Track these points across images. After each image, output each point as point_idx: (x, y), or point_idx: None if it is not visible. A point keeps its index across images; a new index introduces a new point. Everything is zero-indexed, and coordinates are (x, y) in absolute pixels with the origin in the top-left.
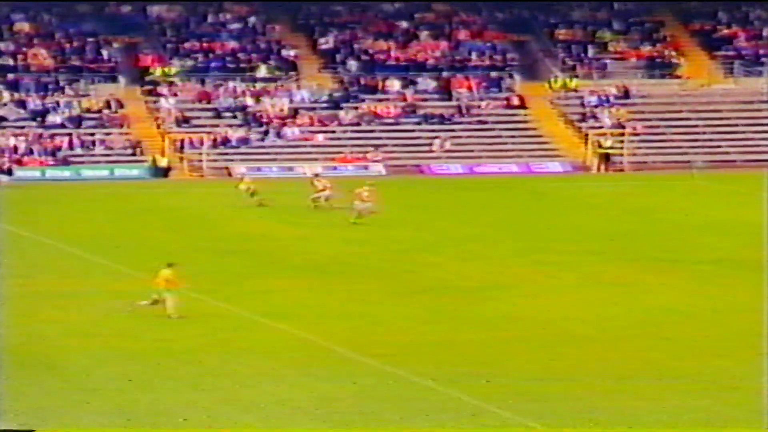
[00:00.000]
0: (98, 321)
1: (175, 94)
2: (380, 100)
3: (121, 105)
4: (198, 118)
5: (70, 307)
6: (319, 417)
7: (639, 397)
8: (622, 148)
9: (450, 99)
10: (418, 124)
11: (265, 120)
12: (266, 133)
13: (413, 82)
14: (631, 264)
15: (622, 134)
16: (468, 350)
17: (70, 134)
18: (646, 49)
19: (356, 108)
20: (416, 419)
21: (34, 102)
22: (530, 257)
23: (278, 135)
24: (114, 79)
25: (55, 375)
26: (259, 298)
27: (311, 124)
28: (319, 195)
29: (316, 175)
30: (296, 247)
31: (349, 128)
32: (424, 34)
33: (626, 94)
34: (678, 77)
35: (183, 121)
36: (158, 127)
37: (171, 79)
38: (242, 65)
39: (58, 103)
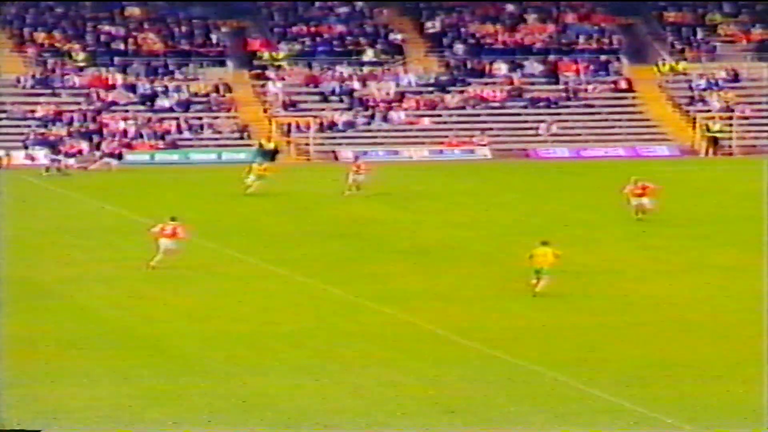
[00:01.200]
0: (207, 303)
1: (283, 78)
2: (486, 84)
3: (229, 89)
4: (305, 102)
5: (180, 289)
6: (426, 401)
7: (748, 382)
8: (730, 131)
9: (557, 83)
10: (525, 107)
11: (371, 104)
12: (372, 116)
13: (520, 66)
14: (740, 248)
15: (731, 118)
16: (576, 335)
17: (178, 118)
18: (757, 31)
19: (462, 92)
20: (523, 404)
21: (143, 86)
22: (638, 241)
23: (384, 119)
24: (222, 63)
25: (165, 358)
26: (365, 282)
27: (417, 108)
28: (354, 179)
29: (356, 158)
30: (403, 231)
31: (455, 112)
32: (531, 18)
33: (735, 78)
34: None
35: (290, 105)
36: (265, 111)
37: (278, 63)
38: (349, 49)
39: (167, 87)
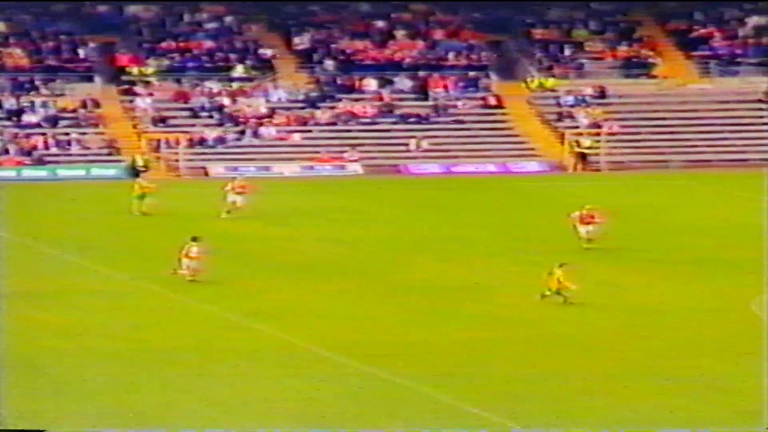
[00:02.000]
0: (80, 321)
1: (152, 94)
2: (357, 100)
3: (97, 104)
4: (174, 117)
5: (50, 307)
6: (301, 417)
7: (620, 397)
8: (598, 147)
9: (427, 98)
10: (395, 123)
11: (241, 119)
12: (243, 132)
13: (390, 82)
14: (610, 264)
15: (599, 134)
16: (450, 351)
17: (45, 134)
18: (623, 48)
19: (333, 107)
20: (397, 420)
21: (9, 101)
22: (510, 257)
23: (255, 135)
24: (90, 79)
25: (38, 376)
26: (240, 298)
27: (288, 124)
28: (233, 200)
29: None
30: (277, 247)
31: (326, 128)
32: (400, 34)
33: (602, 94)
34: (654, 77)
35: (159, 120)
36: (134, 126)
37: (147, 78)
38: (219, 65)
39: (33, 103)
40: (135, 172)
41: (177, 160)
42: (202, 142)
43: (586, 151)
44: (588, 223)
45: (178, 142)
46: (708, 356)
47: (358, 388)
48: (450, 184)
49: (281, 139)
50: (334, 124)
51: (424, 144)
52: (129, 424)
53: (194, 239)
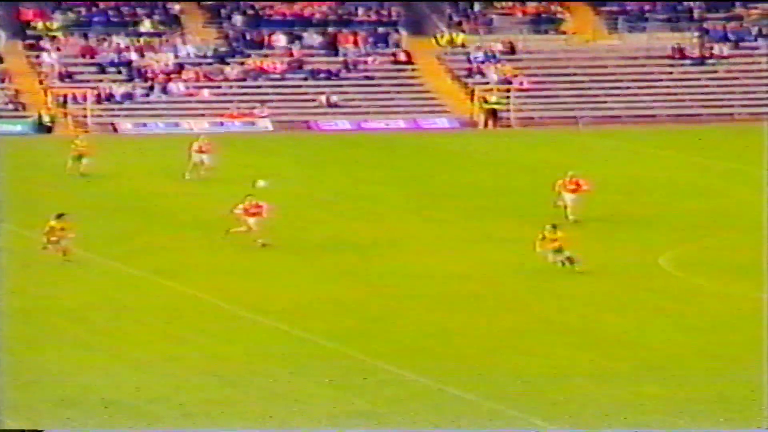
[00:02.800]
0: None
1: (58, 49)
2: (266, 56)
3: (1, 60)
4: (81, 73)
5: None
6: (209, 375)
7: (529, 353)
8: (508, 103)
9: (336, 54)
10: (305, 79)
11: (149, 75)
12: (151, 88)
13: (299, 38)
14: (519, 220)
15: (508, 90)
16: (360, 307)
17: None
18: (532, 4)
19: (242, 63)
20: (308, 377)
21: None
22: (420, 214)
23: (163, 90)
24: None
25: None
26: (148, 256)
27: (197, 80)
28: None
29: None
30: (186, 204)
31: (235, 84)
32: None
33: (512, 50)
34: (563, 33)
35: (66, 76)
36: (41, 82)
37: (53, 33)
38: (126, 19)
39: None
40: (42, 128)
41: (85, 116)
42: (110, 97)
43: (495, 107)
44: (574, 191)
45: (85, 98)
46: (615, 312)
47: (268, 345)
48: (360, 141)
49: (190, 95)
50: (244, 80)
51: (335, 100)
52: (40, 382)
53: (59, 216)
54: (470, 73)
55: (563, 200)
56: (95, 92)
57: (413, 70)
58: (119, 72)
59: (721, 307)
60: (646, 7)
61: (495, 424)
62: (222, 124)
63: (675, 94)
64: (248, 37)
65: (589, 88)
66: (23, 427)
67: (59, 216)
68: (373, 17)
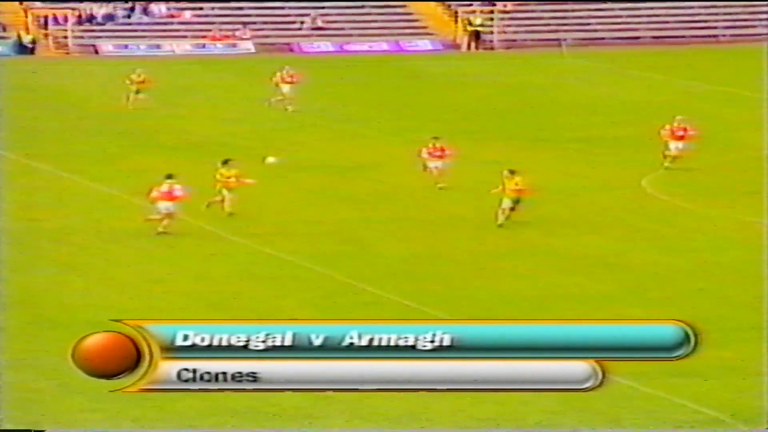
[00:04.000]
0: None
1: None
2: None
3: None
4: None
5: None
6: (194, 297)
7: (513, 275)
8: (491, 26)
9: None
10: (288, 1)
11: None
12: (132, 9)
13: None
14: (503, 143)
15: (492, 12)
16: (344, 230)
17: None
18: None
19: None
20: (291, 298)
21: None
22: (404, 136)
23: (145, 12)
24: None
25: None
26: (132, 177)
27: (178, 1)
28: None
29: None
30: (169, 126)
31: (217, 5)
32: None
33: None
34: None
35: None
36: (21, 2)
37: None
38: None
39: None
40: (23, 49)
41: (66, 38)
42: (91, 19)
43: (479, 29)
44: (680, 138)
45: (66, 19)
46: (599, 234)
47: (250, 266)
48: (343, 63)
49: (172, 16)
50: (226, 1)
51: (318, 22)
52: (24, 304)
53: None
54: None
55: (669, 149)
56: (76, 13)
57: None
58: None
59: (705, 228)
60: None
61: None
62: (204, 46)
63: (658, 15)
64: None
65: (573, 10)
66: (23, 428)
67: (225, 162)
68: None
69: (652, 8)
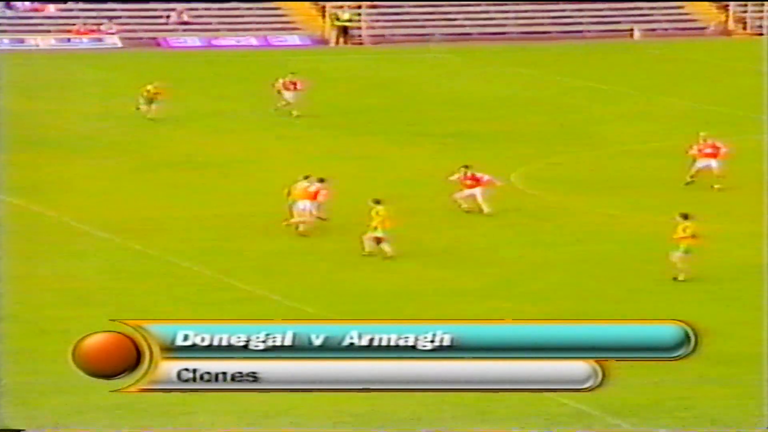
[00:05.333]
0: None
1: None
2: None
3: None
4: None
5: None
6: (62, 293)
7: (382, 270)
8: (359, 21)
9: None
10: None
11: None
12: None
13: None
14: (375, 138)
15: (360, 7)
16: (214, 225)
17: None
18: None
19: None
20: (161, 294)
21: None
22: (274, 131)
23: (8, 6)
24: None
25: None
26: None
27: None
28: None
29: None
30: (35, 121)
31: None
32: None
33: None
34: None
35: None
36: None
37: None
38: None
39: None
40: None
41: None
42: None
43: (347, 24)
44: (709, 155)
45: None
46: (469, 228)
47: (122, 264)
48: (211, 58)
49: (36, 10)
50: None
51: (185, 17)
52: None
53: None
54: None
55: (698, 167)
56: None
57: None
58: None
59: (573, 222)
60: None
61: None
62: (69, 40)
63: (525, 11)
64: None
65: (441, 6)
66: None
67: (377, 202)
68: None
69: (518, 4)
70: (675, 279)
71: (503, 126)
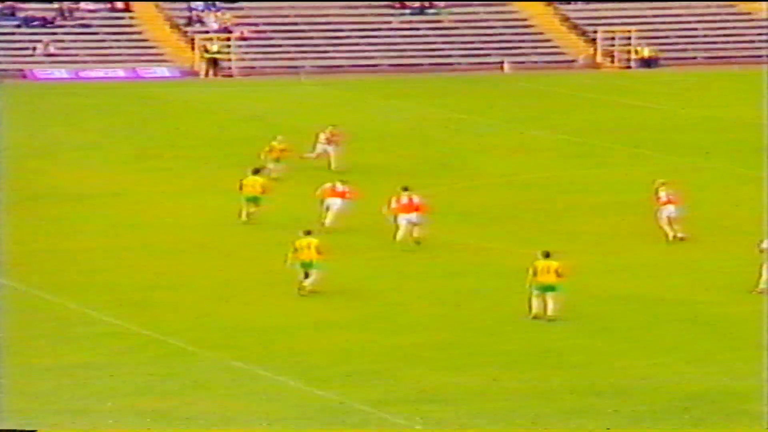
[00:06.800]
0: None
1: None
2: None
3: None
4: None
5: None
6: None
7: (253, 303)
8: (229, 53)
9: (51, 1)
10: (18, 27)
11: None
12: None
13: None
14: (242, 170)
15: (229, 39)
16: (82, 259)
17: None
18: None
19: None
20: (24, 329)
21: None
22: (143, 164)
23: None
24: None
25: None
26: None
27: None
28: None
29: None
30: None
31: None
32: None
33: None
34: None
35: None
36: None
37: None
38: None
39: None
40: None
41: None
42: None
43: (216, 56)
44: (666, 203)
45: None
46: (341, 262)
47: (10, 300)
48: (78, 90)
49: None
50: None
51: (51, 48)
52: None
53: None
54: (190, 22)
55: (662, 216)
56: None
57: (131, 18)
58: None
59: (446, 254)
60: None
61: (220, 375)
62: None
63: (396, 43)
64: None
65: (311, 38)
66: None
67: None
68: None
69: (389, 36)
70: (535, 318)
71: (374, 158)
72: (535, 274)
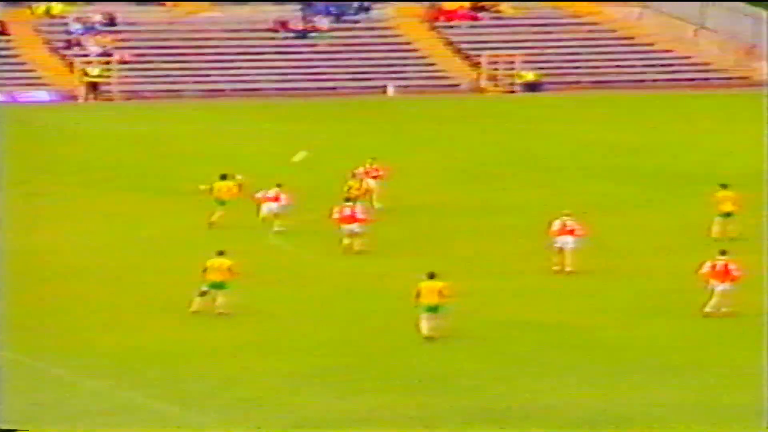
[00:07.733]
0: None
1: None
2: None
3: None
4: None
5: None
6: None
7: (145, 329)
8: (109, 76)
9: None
10: None
11: None
12: None
13: None
14: (127, 194)
15: (109, 62)
16: None
17: None
18: None
19: None
20: None
21: None
22: (21, 189)
23: None
24: None
25: None
26: None
27: None
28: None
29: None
30: None
31: None
32: None
33: (112, 22)
34: (164, 5)
35: None
36: None
37: None
38: None
39: None
40: None
41: None
42: None
43: (96, 80)
44: (566, 233)
45: None
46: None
47: None
48: None
49: None
50: None
51: None
52: None
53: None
54: (69, 45)
55: (556, 246)
56: None
57: (8, 41)
58: None
59: (335, 277)
60: None
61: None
62: None
63: (279, 67)
64: None
65: (193, 61)
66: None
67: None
68: None
69: (272, 60)
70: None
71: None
72: (418, 296)
